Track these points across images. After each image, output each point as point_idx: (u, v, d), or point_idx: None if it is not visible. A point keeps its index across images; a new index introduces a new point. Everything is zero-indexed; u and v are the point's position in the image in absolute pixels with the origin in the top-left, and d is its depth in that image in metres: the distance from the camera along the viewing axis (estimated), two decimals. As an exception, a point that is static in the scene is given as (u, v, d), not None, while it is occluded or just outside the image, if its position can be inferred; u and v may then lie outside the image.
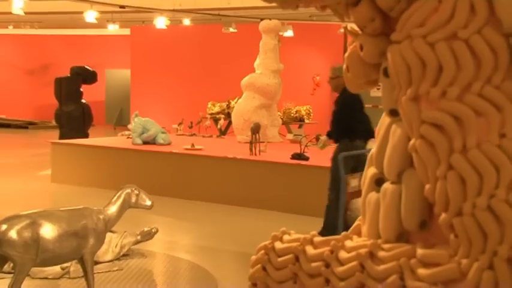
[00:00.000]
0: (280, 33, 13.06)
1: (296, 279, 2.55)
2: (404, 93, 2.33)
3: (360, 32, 2.59)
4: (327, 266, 2.48)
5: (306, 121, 13.46)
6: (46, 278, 5.08)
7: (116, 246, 5.71)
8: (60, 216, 4.28)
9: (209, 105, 13.86)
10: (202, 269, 5.65)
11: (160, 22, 14.44)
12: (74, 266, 5.05)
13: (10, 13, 12.49)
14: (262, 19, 12.37)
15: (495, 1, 2.24)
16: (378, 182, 2.61)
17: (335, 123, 7.01)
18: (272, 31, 11.99)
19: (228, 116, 12.90)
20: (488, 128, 2.20)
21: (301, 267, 2.54)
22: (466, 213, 2.18)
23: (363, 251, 2.43)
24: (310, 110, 13.58)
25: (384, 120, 2.66)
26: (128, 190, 4.73)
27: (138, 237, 5.91)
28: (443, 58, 2.24)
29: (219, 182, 8.85)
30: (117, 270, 5.45)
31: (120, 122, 20.57)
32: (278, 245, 2.65)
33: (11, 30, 20.55)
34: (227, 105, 13.50)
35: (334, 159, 6.54)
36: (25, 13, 12.57)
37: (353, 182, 6.40)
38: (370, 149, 7.05)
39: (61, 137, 13.01)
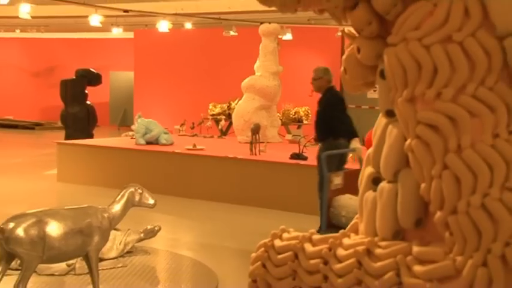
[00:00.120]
0: (280, 37, 13.07)
1: (295, 276, 2.55)
2: (401, 94, 2.33)
3: (357, 35, 2.59)
4: (325, 263, 2.47)
5: (305, 122, 13.45)
6: (52, 275, 5.08)
7: (120, 244, 5.71)
8: (65, 215, 4.28)
9: (210, 107, 13.86)
10: (204, 266, 5.65)
11: (163, 26, 14.44)
12: (79, 263, 5.05)
13: (17, 17, 12.49)
14: (261, 23, 12.37)
15: (489, 5, 2.24)
16: (375, 181, 2.61)
17: (319, 123, 7.05)
18: (271, 34, 12.00)
19: (229, 117, 12.90)
20: (482, 129, 2.19)
21: (300, 264, 2.53)
22: (460, 211, 2.18)
23: (360, 248, 2.43)
24: (309, 111, 13.57)
25: (381, 120, 2.66)
26: (132, 189, 4.73)
27: (142, 235, 5.91)
28: (438, 60, 2.24)
29: (220, 181, 8.84)
30: (121, 266, 5.45)
31: (124, 122, 20.56)
32: (277, 242, 2.64)
33: (18, 33, 20.57)
34: (228, 106, 13.50)
35: (319, 158, 6.56)
36: (32, 17, 12.57)
37: (336, 180, 6.41)
38: (353, 148, 7.18)
39: (67, 137, 13.01)
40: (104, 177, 9.69)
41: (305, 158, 8.45)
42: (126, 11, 12.70)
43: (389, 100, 2.43)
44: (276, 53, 11.90)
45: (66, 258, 4.43)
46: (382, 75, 2.48)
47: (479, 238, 2.16)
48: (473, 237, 2.16)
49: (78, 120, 13.46)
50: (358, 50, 2.56)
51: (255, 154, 9.03)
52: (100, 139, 12.26)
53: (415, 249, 2.33)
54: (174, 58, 18.17)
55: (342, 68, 2.71)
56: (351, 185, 6.56)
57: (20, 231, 4.01)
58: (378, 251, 2.40)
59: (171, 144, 10.21)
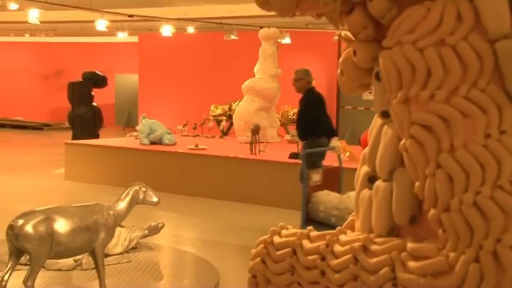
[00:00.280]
0: (279, 40, 13.07)
1: (293, 272, 2.54)
2: (395, 96, 2.32)
3: (353, 38, 2.58)
4: (323, 259, 2.46)
5: (303, 122, 13.43)
6: (60, 270, 5.07)
7: (125, 240, 5.70)
8: (72, 212, 4.28)
9: (212, 108, 13.85)
10: (206, 261, 5.64)
11: (167, 30, 14.44)
12: (85, 259, 5.04)
13: (26, 22, 12.49)
14: (261, 27, 12.37)
15: (480, 9, 2.23)
16: (371, 179, 2.60)
17: (301, 123, 7.06)
18: (271, 38, 11.99)
19: (230, 117, 12.89)
20: (474, 129, 2.19)
21: (298, 260, 2.52)
22: (453, 209, 2.17)
23: (356, 244, 2.42)
24: (307, 112, 13.55)
25: (376, 121, 2.65)
26: (136, 187, 4.72)
27: (146, 232, 5.90)
28: (432, 63, 2.23)
29: (222, 179, 8.84)
30: (126, 262, 5.44)
31: (129, 123, 20.56)
32: (276, 239, 2.63)
33: (27, 38, 20.57)
34: (229, 107, 13.49)
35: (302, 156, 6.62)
36: (40, 22, 12.56)
37: (315, 177, 6.44)
38: (333, 147, 7.21)
39: (74, 137, 13.00)
40: (110, 176, 9.69)
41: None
42: (131, 16, 12.70)
43: (384, 101, 2.42)
44: (275, 56, 11.90)
45: (73, 254, 4.42)
46: (378, 77, 2.47)
47: (471, 235, 2.15)
48: (466, 234, 2.16)
49: (85, 121, 13.45)
50: (355, 53, 2.55)
51: (255, 154, 9.02)
52: (106, 139, 12.25)
53: (410, 245, 2.33)
54: (177, 61, 18.17)
55: (339, 71, 2.70)
56: (329, 182, 6.62)
57: (29, 228, 4.01)
58: (374, 247, 2.39)
59: (174, 144, 10.21)
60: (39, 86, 23.49)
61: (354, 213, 2.74)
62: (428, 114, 2.22)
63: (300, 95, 7.19)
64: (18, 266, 4.17)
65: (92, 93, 13.76)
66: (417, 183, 2.28)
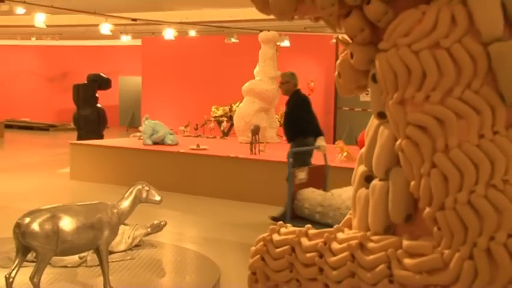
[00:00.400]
0: (278, 43, 13.06)
1: (292, 269, 2.53)
2: (391, 97, 2.31)
3: (350, 41, 2.57)
4: (321, 256, 2.46)
5: (301, 123, 13.42)
6: (65, 266, 5.07)
7: (128, 238, 5.70)
8: (77, 210, 4.27)
9: (213, 109, 13.84)
10: (207, 259, 5.63)
11: (169, 33, 14.44)
12: (90, 256, 5.04)
13: (33, 26, 12.49)
14: (261, 30, 12.36)
15: (474, 13, 2.22)
16: (367, 179, 2.59)
17: (287, 124, 7.10)
18: (270, 41, 11.99)
19: (230, 118, 12.89)
20: (468, 129, 2.18)
21: (296, 257, 2.52)
22: (448, 207, 2.16)
23: (353, 242, 2.41)
24: (305, 113, 13.54)
25: (373, 122, 2.64)
26: (139, 186, 4.72)
27: (149, 230, 5.89)
28: (427, 65, 2.22)
29: (222, 179, 8.84)
30: (129, 259, 5.43)
31: (132, 124, 20.56)
32: (276, 237, 2.63)
33: (34, 41, 20.58)
34: (229, 109, 13.48)
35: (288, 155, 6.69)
36: (46, 26, 12.56)
37: (300, 175, 6.48)
38: (319, 146, 7.24)
39: (79, 138, 13.00)
40: (114, 176, 9.68)
41: (302, 157, 8.42)
42: (134, 19, 12.70)
43: (380, 103, 2.41)
44: (274, 58, 11.90)
45: (78, 251, 4.42)
46: (374, 79, 2.47)
47: (465, 233, 2.14)
48: (460, 232, 2.15)
49: (90, 122, 13.45)
50: (352, 56, 2.55)
51: (255, 154, 9.02)
52: (110, 140, 12.25)
53: (405, 243, 2.32)
54: (179, 64, 18.17)
55: (336, 73, 2.69)
56: (314, 180, 6.65)
57: (35, 226, 4.01)
58: (370, 245, 2.39)
59: (176, 144, 10.21)
60: (45, 88, 23.49)
61: (351, 211, 2.74)
62: (424, 115, 2.21)
63: (287, 97, 7.26)
64: (25, 263, 4.17)
65: (97, 95, 13.76)
66: (413, 183, 2.28)
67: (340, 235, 2.51)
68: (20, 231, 4.01)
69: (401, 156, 2.31)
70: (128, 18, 12.69)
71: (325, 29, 13.56)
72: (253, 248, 2.66)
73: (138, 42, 19.25)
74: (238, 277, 5.08)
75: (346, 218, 2.79)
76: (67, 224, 4.13)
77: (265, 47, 11.90)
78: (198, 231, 7.10)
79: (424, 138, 2.22)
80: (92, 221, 4.26)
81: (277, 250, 2.57)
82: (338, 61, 2.69)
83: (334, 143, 10.92)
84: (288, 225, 2.70)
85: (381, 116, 2.48)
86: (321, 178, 6.80)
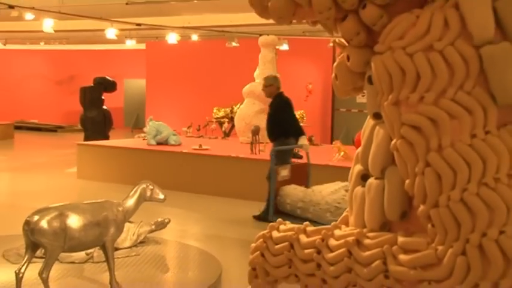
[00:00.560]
0: (277, 47, 13.06)
1: (291, 265, 2.52)
2: (387, 98, 2.30)
3: (346, 44, 2.56)
4: (319, 252, 2.45)
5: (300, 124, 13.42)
6: (73, 262, 5.06)
7: (133, 235, 5.69)
8: (84, 209, 4.27)
9: (215, 111, 13.84)
10: (209, 255, 5.63)
11: (172, 38, 14.44)
12: (97, 252, 5.04)
13: (42, 31, 12.49)
14: (261, 34, 12.35)
15: (466, 17, 2.21)
16: (364, 177, 2.58)
17: (270, 125, 7.15)
18: (270, 45, 11.98)
19: (231, 120, 12.88)
20: (461, 129, 2.17)
21: (295, 253, 2.51)
22: (441, 205, 2.15)
23: (350, 239, 2.40)
24: (304, 115, 13.55)
25: (369, 122, 2.63)
26: (144, 185, 4.71)
27: (153, 227, 5.89)
28: (421, 67, 2.21)
29: (224, 178, 8.83)
30: (134, 255, 5.43)
31: (137, 125, 20.56)
32: (275, 234, 2.62)
33: (42, 46, 20.59)
34: (230, 110, 13.48)
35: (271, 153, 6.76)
36: (54, 31, 12.56)
37: (283, 172, 6.52)
38: (301, 145, 7.30)
39: (85, 139, 12.99)
40: (119, 175, 9.68)
41: (300, 157, 8.43)
42: (138, 24, 12.69)
43: (376, 104, 2.40)
44: (274, 62, 11.88)
45: (85, 247, 4.42)
46: (370, 81, 2.46)
47: (458, 229, 2.13)
48: (453, 229, 2.14)
49: (96, 123, 13.44)
50: (348, 58, 2.54)
51: (255, 153, 9.02)
52: (115, 140, 12.25)
53: (400, 239, 2.31)
54: (182, 67, 18.17)
55: (333, 75, 2.68)
56: (296, 177, 6.69)
57: (43, 224, 4.01)
58: (367, 241, 2.38)
59: (179, 144, 10.20)
60: (53, 90, 23.50)
61: (348, 209, 2.73)
62: (418, 115, 2.20)
63: (270, 100, 7.33)
64: (34, 259, 4.17)
65: (102, 97, 13.76)
66: (407, 181, 2.27)
67: (337, 232, 2.50)
68: (29, 229, 4.01)
69: (396, 155, 2.30)
70: (132, 23, 12.69)
71: (322, 33, 13.56)
72: (253, 245, 2.65)
73: (143, 46, 19.25)
74: (239, 273, 5.07)
75: (343, 215, 2.78)
76: (74, 221, 4.13)
77: (265, 50, 11.89)
78: (201, 228, 7.09)
79: (419, 138, 2.21)
80: (98, 219, 4.26)
81: (277, 247, 2.56)
82: (335, 63, 2.68)
83: (331, 143, 10.92)
84: (287, 222, 2.69)
85: (377, 116, 2.47)
86: (303, 175, 6.86)
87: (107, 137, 13.16)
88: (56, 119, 22.42)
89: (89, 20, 12.69)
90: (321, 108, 16.49)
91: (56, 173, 11.08)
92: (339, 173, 7.09)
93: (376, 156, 2.50)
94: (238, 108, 12.43)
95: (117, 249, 5.11)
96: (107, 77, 14.15)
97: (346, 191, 6.30)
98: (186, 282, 4.91)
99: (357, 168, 2.66)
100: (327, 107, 16.61)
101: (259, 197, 8.20)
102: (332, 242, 2.45)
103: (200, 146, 9.71)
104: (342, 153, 8.53)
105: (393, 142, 2.31)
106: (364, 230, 2.45)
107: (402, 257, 2.25)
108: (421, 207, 2.23)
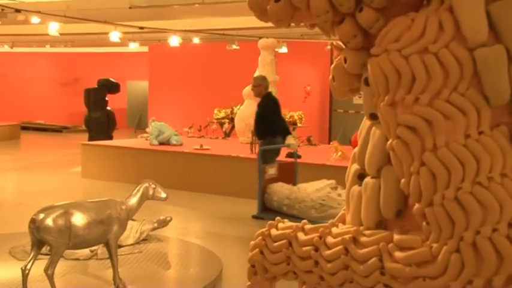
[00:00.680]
0: (276, 50, 13.06)
1: (289, 262, 2.51)
2: (383, 99, 2.29)
3: (344, 46, 2.55)
4: (316, 250, 2.44)
5: (299, 125, 13.42)
6: (77, 259, 5.07)
7: (136, 232, 5.69)
8: (88, 207, 4.27)
9: (215, 111, 13.83)
10: (210, 252, 5.62)
11: (174, 41, 14.43)
12: (101, 249, 5.04)
13: (47, 34, 12.49)
14: (260, 37, 12.35)
15: (460, 20, 2.21)
16: (360, 176, 2.57)
17: (258, 124, 7.16)
18: (269, 48, 11.98)
19: (232, 120, 12.88)
20: (455, 130, 2.16)
21: (293, 251, 2.50)
22: (436, 203, 2.15)
23: (347, 236, 2.39)
24: (302, 116, 13.55)
25: (365, 123, 2.62)
26: (146, 184, 4.71)
27: (155, 225, 5.89)
28: (416, 69, 2.21)
29: (224, 177, 8.82)
30: (137, 252, 5.43)
31: (140, 126, 20.54)
32: (274, 231, 2.61)
33: (48, 48, 20.58)
34: (231, 111, 13.47)
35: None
36: (60, 34, 12.56)
37: (270, 171, 6.55)
38: (288, 144, 7.35)
39: (90, 139, 12.98)
40: (122, 174, 9.67)
41: (299, 156, 8.42)
42: (141, 28, 12.69)
43: (372, 105, 2.39)
44: (273, 64, 11.89)
45: (89, 245, 4.42)
46: (366, 82, 2.45)
47: (452, 227, 2.13)
48: (448, 227, 2.13)
49: (100, 124, 13.43)
50: (345, 60, 2.53)
51: (255, 153, 9.00)
52: (119, 140, 12.24)
53: (396, 237, 2.30)
54: (183, 69, 18.16)
55: (331, 76, 2.67)
56: (283, 175, 6.72)
57: (49, 221, 4.01)
58: (363, 239, 2.37)
59: (181, 144, 10.20)
60: (59, 92, 23.49)
61: (345, 207, 2.72)
62: (413, 116, 2.19)
63: (259, 99, 7.35)
64: (39, 256, 4.16)
65: (106, 99, 13.75)
66: (403, 180, 2.26)
67: (334, 230, 2.49)
68: (35, 226, 4.00)
69: (392, 155, 2.29)
70: (135, 27, 12.68)
71: (320, 36, 13.56)
72: (252, 242, 2.64)
73: (145, 49, 19.24)
74: (238, 269, 5.07)
75: (340, 214, 2.77)
76: (79, 219, 4.12)
77: (265, 53, 11.89)
78: (202, 226, 7.09)
79: (414, 138, 2.20)
80: (102, 217, 4.26)
81: (275, 244, 2.55)
82: (332, 65, 2.67)
83: (329, 143, 10.91)
84: (285, 220, 2.68)
85: (373, 117, 2.46)
86: (291, 173, 6.89)
87: (110, 137, 13.15)
88: (61, 120, 22.41)
89: (94, 23, 12.68)
90: (319, 109, 16.48)
91: (61, 172, 11.07)
92: (336, 172, 7.08)
93: (372, 156, 2.49)
94: (238, 109, 12.42)
95: (120, 246, 5.11)
96: (111, 79, 14.14)
97: (332, 188, 6.34)
98: (188, 278, 4.91)
99: (354, 167, 2.65)
100: (325, 108, 16.61)
101: (258, 196, 8.20)
102: (329, 240, 2.44)
103: (201, 146, 9.70)
104: (340, 153, 8.53)
105: (389, 142, 2.30)
106: (361, 228, 2.45)
107: (398, 254, 2.24)
108: (416, 205, 2.22)
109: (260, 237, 2.61)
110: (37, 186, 9.44)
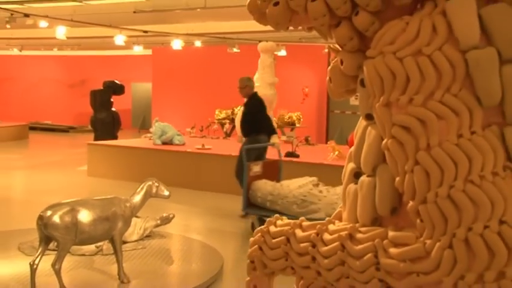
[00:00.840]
0: (276, 53, 13.05)
1: (287, 258, 2.50)
2: (378, 100, 2.28)
3: (340, 49, 2.54)
4: (313, 246, 2.43)
5: (297, 125, 13.42)
6: (83, 255, 5.06)
7: (140, 229, 5.68)
8: (94, 204, 4.27)
9: (216, 112, 13.83)
10: (211, 248, 5.62)
11: (177, 44, 14.43)
12: (106, 245, 5.03)
13: (55, 38, 12.48)
14: (260, 41, 12.34)
15: (453, 23, 2.20)
16: (356, 175, 2.56)
17: (244, 123, 7.20)
18: (269, 51, 11.97)
19: (232, 121, 12.87)
20: (448, 130, 2.15)
21: (291, 247, 2.49)
22: (429, 201, 2.14)
23: (343, 233, 2.38)
24: (300, 116, 13.55)
25: (361, 123, 2.61)
26: (150, 182, 4.70)
27: (158, 222, 5.88)
28: (410, 71, 2.20)
29: (225, 175, 8.81)
30: (141, 248, 5.42)
31: (144, 126, 20.55)
32: (272, 228, 2.60)
33: (55, 51, 20.61)
34: (231, 112, 13.47)
35: (242, 150, 6.80)
36: (67, 38, 12.56)
37: (254, 168, 6.55)
38: (272, 143, 7.40)
39: (95, 139, 12.98)
40: (127, 173, 9.66)
41: (297, 156, 8.42)
42: (145, 31, 12.69)
43: (368, 105, 2.38)
44: (272, 66, 11.88)
45: (95, 241, 4.41)
46: (362, 83, 2.44)
47: (445, 224, 2.12)
48: (441, 224, 2.12)
49: (105, 124, 13.43)
50: (342, 62, 2.52)
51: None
52: (123, 140, 12.24)
53: (391, 234, 2.29)
54: (186, 71, 18.16)
55: (328, 78, 2.66)
56: (268, 172, 6.73)
57: (56, 218, 4.00)
58: (359, 235, 2.36)
59: (183, 144, 10.19)
60: (66, 93, 23.49)
61: (341, 205, 2.71)
62: (407, 116, 2.18)
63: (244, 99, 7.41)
64: (47, 252, 4.16)
65: (111, 100, 13.75)
66: (397, 178, 2.25)
67: (331, 227, 2.48)
68: (43, 223, 4.00)
69: (387, 154, 2.28)
70: (139, 30, 12.68)
71: (318, 40, 13.55)
72: (251, 239, 2.63)
73: (149, 52, 19.25)
74: (238, 264, 5.06)
75: (336, 211, 2.76)
76: (85, 216, 4.12)
77: (264, 56, 11.88)
78: (203, 223, 7.08)
79: (408, 137, 2.19)
80: (107, 214, 4.25)
81: (274, 240, 2.54)
82: (329, 67, 2.65)
83: (326, 143, 10.90)
84: (284, 217, 2.67)
85: (369, 117, 2.45)
86: (275, 171, 6.90)
87: (115, 137, 13.15)
88: (68, 120, 22.41)
89: (99, 27, 12.68)
90: (316, 110, 16.47)
91: (68, 171, 11.07)
92: (333, 171, 7.07)
93: (368, 155, 2.48)
94: (238, 110, 12.41)
95: (125, 242, 5.11)
96: (116, 81, 14.14)
97: (313, 185, 6.35)
98: (190, 273, 4.90)
99: (350, 166, 2.64)
100: (322, 109, 16.60)
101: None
102: (326, 236, 2.43)
103: (203, 145, 9.69)
104: (336, 152, 8.52)
105: (384, 141, 2.29)
106: (357, 225, 2.44)
107: (392, 250, 2.23)
108: (410, 203, 2.21)
109: (259, 234, 2.60)
110: (45, 185, 9.43)
